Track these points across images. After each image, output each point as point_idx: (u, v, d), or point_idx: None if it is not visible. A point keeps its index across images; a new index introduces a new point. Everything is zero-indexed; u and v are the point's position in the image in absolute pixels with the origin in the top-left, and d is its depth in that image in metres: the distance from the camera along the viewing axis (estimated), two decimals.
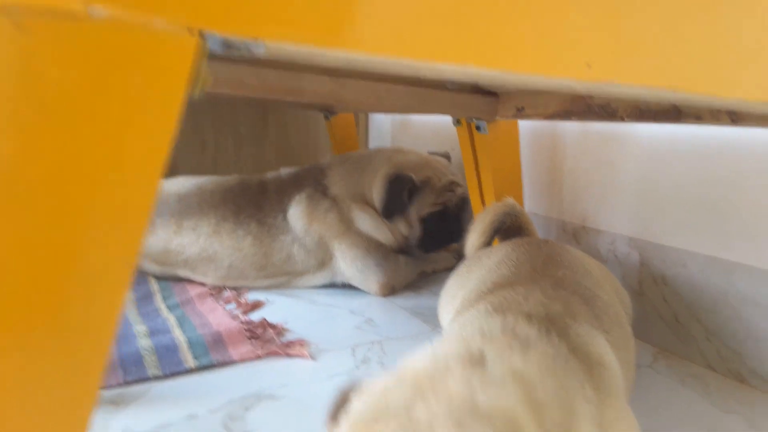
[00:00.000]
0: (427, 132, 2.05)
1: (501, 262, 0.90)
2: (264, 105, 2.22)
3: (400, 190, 1.51)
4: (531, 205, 1.54)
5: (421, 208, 1.54)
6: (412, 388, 0.53)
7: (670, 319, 1.20)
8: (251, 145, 2.24)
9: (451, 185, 1.56)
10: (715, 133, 1.11)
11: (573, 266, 0.89)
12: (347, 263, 1.53)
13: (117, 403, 0.97)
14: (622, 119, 0.95)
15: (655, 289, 1.23)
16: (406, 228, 1.56)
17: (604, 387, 0.65)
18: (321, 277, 1.57)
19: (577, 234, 1.42)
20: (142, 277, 1.65)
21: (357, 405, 0.55)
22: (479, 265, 1.00)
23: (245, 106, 2.18)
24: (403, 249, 1.62)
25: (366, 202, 1.57)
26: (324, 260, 1.55)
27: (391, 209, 1.52)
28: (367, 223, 1.55)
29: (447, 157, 1.70)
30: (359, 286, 1.55)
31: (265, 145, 2.26)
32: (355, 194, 1.57)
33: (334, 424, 0.56)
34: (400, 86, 1.10)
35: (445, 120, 1.87)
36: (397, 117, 2.25)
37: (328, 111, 2.08)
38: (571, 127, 1.43)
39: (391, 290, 1.54)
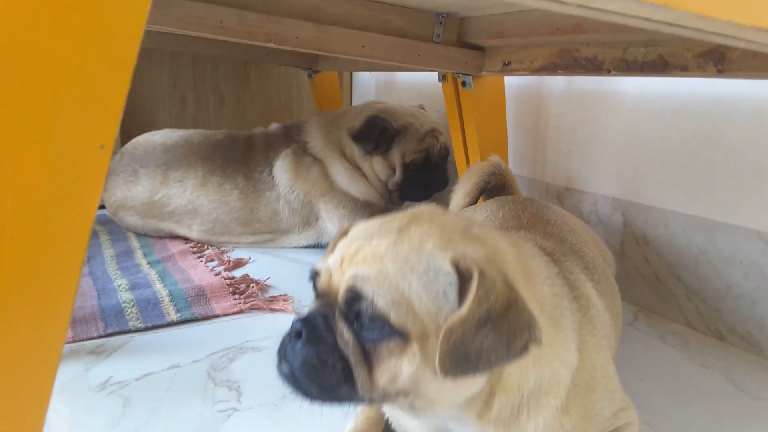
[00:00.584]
0: (411, 92, 2.02)
1: (487, 219, 0.90)
2: (246, 63, 2.17)
3: (375, 127, 1.48)
4: (514, 167, 1.54)
5: (404, 153, 1.52)
6: (409, 217, 0.57)
7: (651, 279, 1.21)
8: (232, 103, 2.19)
9: (434, 132, 1.55)
10: (699, 92, 1.11)
11: (559, 224, 0.89)
12: (333, 223, 1.52)
13: (98, 353, 0.96)
14: (608, 72, 0.94)
15: (637, 249, 1.24)
16: (386, 172, 1.54)
17: (589, 318, 0.66)
18: (306, 237, 1.56)
19: (561, 195, 1.42)
20: (121, 233, 1.63)
21: (356, 229, 0.58)
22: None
23: (227, 63, 2.13)
24: (389, 207, 1.61)
25: (343, 154, 1.55)
26: (309, 219, 1.54)
27: (361, 139, 1.50)
28: (343, 175, 1.53)
29: (422, 108, 1.68)
30: None
31: (245, 103, 2.22)
32: (331, 144, 1.55)
33: (329, 252, 0.60)
34: (385, 36, 1.07)
35: (430, 79, 1.85)
36: (382, 76, 2.21)
37: (311, 69, 2.04)
38: (555, 87, 1.42)
39: None
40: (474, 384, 0.54)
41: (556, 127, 1.43)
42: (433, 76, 1.55)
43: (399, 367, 0.51)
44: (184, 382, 0.88)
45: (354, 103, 2.42)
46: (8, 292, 0.24)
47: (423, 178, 1.54)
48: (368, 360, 0.52)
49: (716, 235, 1.09)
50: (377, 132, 1.48)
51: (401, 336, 0.50)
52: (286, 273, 1.39)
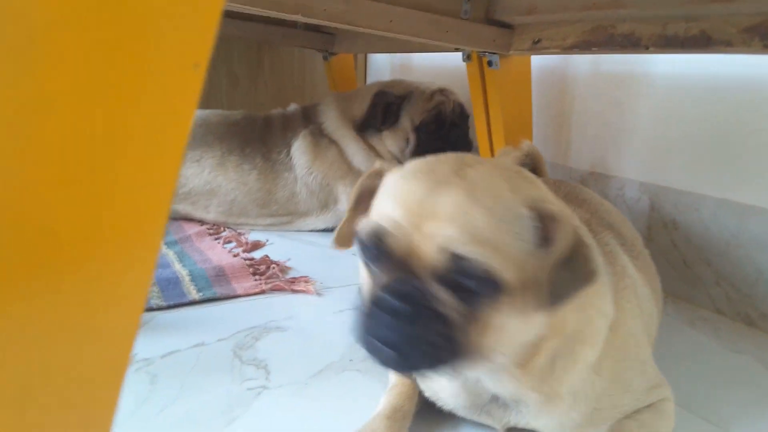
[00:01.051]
0: (428, 75, 1.99)
1: None
2: (260, 46, 2.14)
3: (379, 104, 1.48)
4: None
5: (413, 117, 1.49)
6: (454, 161, 0.56)
7: (679, 264, 1.19)
8: (246, 86, 2.17)
9: (442, 91, 1.52)
10: (731, 74, 1.08)
11: (595, 203, 0.88)
12: None
13: None
14: (646, 48, 0.91)
15: (665, 234, 1.22)
16: (400, 144, 1.51)
17: (624, 285, 0.66)
18: (324, 220, 1.54)
19: (585, 180, 1.40)
20: None
21: (401, 178, 0.56)
22: None
23: (241, 45, 2.10)
24: None
25: (358, 134, 1.54)
26: (327, 202, 1.52)
27: (365, 124, 1.50)
28: (359, 156, 1.51)
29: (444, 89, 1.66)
30: None
31: (259, 85, 2.19)
32: (346, 124, 1.54)
33: (354, 198, 0.62)
34: (413, 11, 1.05)
35: (448, 62, 1.82)
36: (397, 59, 2.18)
37: (327, 51, 2.01)
38: (581, 69, 1.39)
39: None
40: (540, 323, 0.54)
41: (581, 110, 1.40)
42: (452, 58, 1.53)
43: (507, 321, 0.52)
44: (211, 359, 0.87)
45: None
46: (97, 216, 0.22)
47: (438, 139, 1.49)
48: (476, 321, 0.51)
49: (747, 219, 1.07)
50: (381, 107, 1.47)
51: (506, 290, 0.50)
52: (304, 255, 1.37)
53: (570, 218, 0.54)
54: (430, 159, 0.57)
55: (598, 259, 0.54)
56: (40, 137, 0.20)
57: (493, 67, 1.23)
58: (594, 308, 0.60)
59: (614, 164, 1.33)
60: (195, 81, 0.23)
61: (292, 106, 1.66)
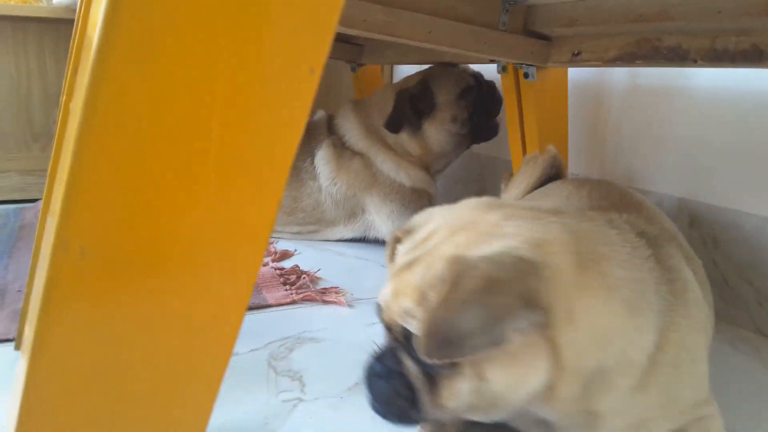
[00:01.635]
0: None
1: (570, 196, 0.86)
2: None
3: (405, 102, 1.42)
4: (572, 164, 1.49)
5: (449, 90, 1.43)
6: (451, 228, 0.58)
7: (720, 283, 1.16)
8: None
9: (463, 70, 1.48)
10: None
11: (652, 208, 0.85)
12: (382, 218, 1.48)
13: None
14: (694, 62, 0.89)
15: (705, 252, 1.18)
16: (446, 125, 1.43)
17: (684, 301, 0.64)
18: (352, 230, 1.53)
19: None
20: None
21: (402, 246, 0.61)
22: (545, 198, 0.94)
23: None
24: (432, 170, 1.54)
25: (385, 144, 1.51)
26: (355, 212, 1.51)
27: (394, 124, 1.43)
28: (389, 163, 1.49)
29: None
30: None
31: None
32: (371, 135, 1.51)
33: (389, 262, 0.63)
34: (452, 22, 1.04)
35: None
36: None
37: (355, 62, 2.01)
38: (617, 81, 1.37)
39: None
40: (531, 375, 0.53)
41: (617, 123, 1.38)
42: (483, 69, 1.51)
43: (459, 386, 0.53)
44: (245, 370, 0.86)
45: None
46: (212, 220, 0.22)
47: (484, 102, 1.45)
48: (434, 385, 0.55)
49: None
50: (408, 104, 1.41)
51: None
52: (334, 265, 1.36)
53: (478, 263, 0.51)
54: (429, 229, 0.60)
55: (534, 312, 0.50)
56: (158, 139, 0.19)
57: (529, 79, 1.22)
58: (625, 344, 0.57)
59: (652, 179, 1.30)
60: (310, 86, 0.23)
61: (319, 113, 1.65)
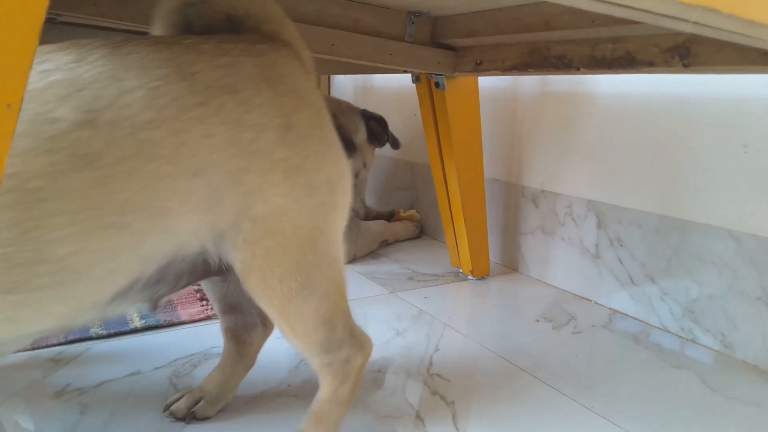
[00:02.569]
0: (389, 96, 2.01)
1: None
2: None
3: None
4: (490, 170, 1.52)
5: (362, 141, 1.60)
6: None
7: (626, 281, 1.20)
8: None
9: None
10: (669, 93, 1.11)
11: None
12: None
13: (56, 360, 0.92)
14: (577, 69, 0.93)
15: (611, 252, 1.23)
16: (366, 159, 1.60)
17: None
18: None
19: (536, 198, 1.41)
20: None
21: None
22: None
23: None
24: (365, 215, 1.60)
25: None
26: None
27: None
28: None
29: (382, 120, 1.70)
30: None
31: None
32: None
33: None
34: (356, 34, 1.06)
35: (408, 84, 1.84)
36: (359, 81, 2.20)
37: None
38: (529, 89, 1.41)
39: (351, 258, 1.52)
40: None
41: (530, 130, 1.42)
42: (410, 81, 1.54)
43: None
44: (144, 389, 0.85)
45: None
46: None
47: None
48: None
49: (688, 235, 1.09)
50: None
51: None
52: None
53: None
54: None
55: None
56: None
57: (440, 89, 1.25)
58: None
59: (562, 182, 1.35)
60: (8, 122, 0.23)
61: None
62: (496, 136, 1.52)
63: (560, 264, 1.36)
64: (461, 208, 1.34)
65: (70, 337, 0.99)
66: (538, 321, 1.17)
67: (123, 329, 1.04)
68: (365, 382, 0.89)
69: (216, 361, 0.94)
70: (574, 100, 1.30)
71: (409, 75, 1.39)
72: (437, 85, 1.25)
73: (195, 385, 0.86)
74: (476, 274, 1.40)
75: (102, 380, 0.87)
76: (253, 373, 0.91)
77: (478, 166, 1.35)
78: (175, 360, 0.94)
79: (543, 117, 1.38)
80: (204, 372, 0.90)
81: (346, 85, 2.31)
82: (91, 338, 1.01)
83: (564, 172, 1.34)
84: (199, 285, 1.25)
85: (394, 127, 1.92)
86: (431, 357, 0.99)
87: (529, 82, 1.41)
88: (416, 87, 1.33)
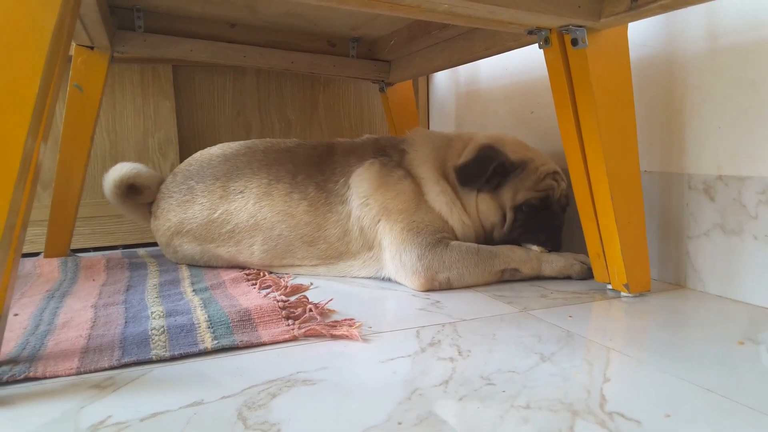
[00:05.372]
0: (495, 105, 1.76)
1: None
2: (313, 85, 1.99)
3: (488, 161, 1.25)
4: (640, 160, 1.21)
5: (516, 192, 1.27)
6: None
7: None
8: (299, 129, 2.00)
9: (555, 174, 1.29)
10: None
11: None
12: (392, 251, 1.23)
13: (102, 387, 0.71)
14: None
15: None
16: (495, 214, 1.28)
17: None
18: (366, 266, 1.28)
19: (710, 188, 1.08)
20: (173, 264, 1.42)
21: None
22: None
23: (293, 86, 1.96)
24: (481, 238, 1.32)
25: (444, 177, 1.31)
26: (373, 244, 1.27)
27: (469, 175, 1.26)
28: (441, 198, 1.26)
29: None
30: (397, 277, 1.22)
31: (314, 128, 2.03)
32: (436, 163, 1.31)
33: None
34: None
35: (519, 77, 1.58)
36: (462, 87, 1.96)
37: (383, 81, 1.83)
38: (691, 48, 1.11)
39: (433, 284, 1.18)
40: None
41: (697, 101, 1.10)
42: (522, 68, 1.29)
43: None
44: (205, 424, 0.62)
45: (432, 120, 2.18)
46: None
47: (535, 224, 1.26)
48: None
49: None
50: (490, 166, 1.25)
51: None
52: (352, 297, 1.12)
53: None
54: None
55: None
56: None
57: (579, 46, 0.98)
58: None
59: (751, 161, 1.01)
60: None
61: (365, 136, 1.46)
62: (648, 115, 1.21)
63: (754, 272, 1.01)
64: (611, 206, 1.04)
65: (125, 360, 0.79)
66: (741, 343, 0.83)
67: (190, 350, 0.82)
68: (514, 423, 0.61)
69: (299, 390, 0.69)
70: (760, 50, 0.98)
71: (524, 64, 1.14)
72: (575, 43, 0.98)
73: (270, 419, 0.62)
74: (633, 290, 1.08)
75: (152, 412, 0.64)
76: (349, 407, 0.65)
77: (631, 151, 1.05)
78: (249, 387, 0.70)
79: (716, 79, 1.07)
80: (284, 403, 0.66)
81: (447, 94, 2.08)
82: (150, 361, 0.80)
83: (752, 148, 1.01)
84: (286, 300, 1.03)
85: (508, 131, 1.67)
86: (601, 389, 0.69)
87: (691, 36, 1.10)
88: (545, 53, 1.07)
